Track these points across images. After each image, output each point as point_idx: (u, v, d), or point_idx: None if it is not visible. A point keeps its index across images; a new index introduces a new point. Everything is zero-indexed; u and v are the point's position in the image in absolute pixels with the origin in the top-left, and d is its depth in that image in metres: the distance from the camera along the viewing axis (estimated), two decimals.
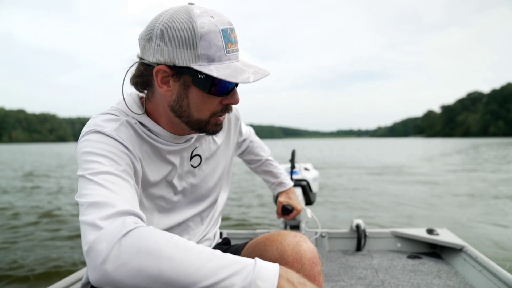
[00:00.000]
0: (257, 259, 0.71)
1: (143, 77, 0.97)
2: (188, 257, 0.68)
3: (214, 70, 0.87)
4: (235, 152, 1.46)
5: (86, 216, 0.74)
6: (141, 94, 1.05)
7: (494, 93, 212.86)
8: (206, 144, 1.18)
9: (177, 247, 0.69)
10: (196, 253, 0.69)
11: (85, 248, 0.70)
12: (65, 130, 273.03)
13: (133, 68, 0.98)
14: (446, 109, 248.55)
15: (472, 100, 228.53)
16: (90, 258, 0.69)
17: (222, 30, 0.89)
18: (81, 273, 1.78)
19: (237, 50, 0.94)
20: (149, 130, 1.02)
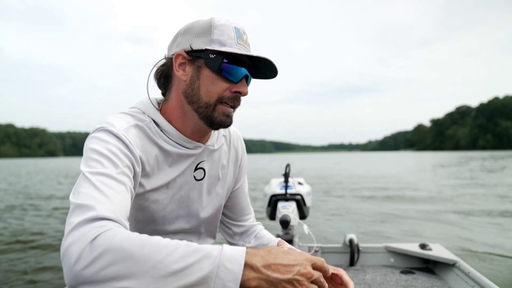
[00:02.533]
0: (224, 245, 0.73)
1: (165, 67, 1.08)
2: (156, 248, 0.70)
3: (224, 49, 0.99)
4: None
5: (70, 218, 0.77)
6: (159, 100, 1.13)
7: (482, 107, 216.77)
8: (213, 161, 1.20)
9: (145, 241, 0.71)
10: (163, 244, 0.71)
11: (61, 250, 0.72)
12: (55, 144, 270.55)
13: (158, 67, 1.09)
14: (435, 122, 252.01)
15: (461, 114, 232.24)
16: (64, 260, 0.71)
17: (235, 27, 1.03)
18: None
19: (247, 49, 1.04)
20: (161, 130, 1.06)
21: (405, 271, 2.29)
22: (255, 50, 1.13)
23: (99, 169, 0.87)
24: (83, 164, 0.89)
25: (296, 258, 0.75)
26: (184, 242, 0.73)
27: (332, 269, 0.92)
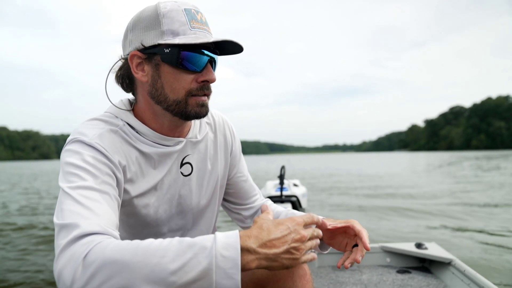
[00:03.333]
0: (216, 233, 0.73)
1: (124, 70, 1.01)
2: (149, 252, 0.69)
3: (178, 40, 0.90)
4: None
5: (57, 241, 0.75)
6: (131, 100, 1.08)
7: (475, 107, 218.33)
8: (199, 153, 1.14)
9: (137, 248, 0.70)
10: (155, 246, 0.70)
11: (55, 275, 0.71)
12: (49, 147, 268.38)
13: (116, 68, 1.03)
14: (429, 123, 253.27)
15: (454, 114, 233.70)
16: (60, 284, 0.70)
17: (185, 9, 0.94)
18: None
19: (205, 30, 0.96)
20: (137, 132, 1.01)
21: (401, 271, 2.30)
22: (243, 55, 1.06)
23: (78, 183, 0.83)
24: (61, 180, 0.86)
25: (287, 226, 0.76)
26: (176, 239, 0.72)
27: (343, 223, 1.01)
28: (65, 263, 0.70)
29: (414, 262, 2.42)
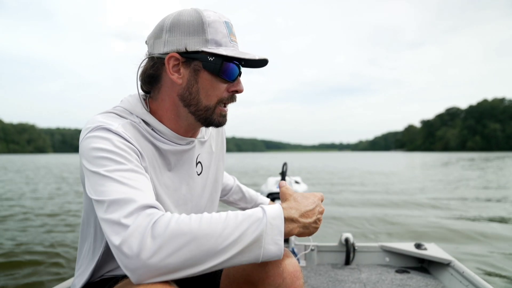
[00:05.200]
0: (262, 205, 0.85)
1: (153, 69, 1.02)
2: (212, 224, 0.78)
3: (223, 51, 0.95)
4: None
5: (109, 215, 0.78)
6: (143, 96, 1.09)
7: (471, 109, 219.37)
8: (206, 152, 1.20)
9: (201, 221, 0.78)
10: (216, 219, 0.80)
11: (115, 246, 0.75)
12: (44, 140, 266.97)
13: (142, 65, 1.04)
14: (426, 123, 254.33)
15: (451, 115, 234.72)
16: (123, 255, 0.74)
17: (225, 21, 0.99)
18: (67, 283, 1.72)
19: (237, 43, 1.02)
20: (152, 129, 1.03)
21: (400, 270, 2.32)
22: (242, 45, 1.10)
23: (115, 166, 0.86)
24: (92, 164, 0.87)
25: (313, 200, 0.94)
26: (231, 212, 0.82)
27: None
28: (129, 234, 0.74)
29: (413, 262, 2.44)
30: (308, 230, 0.90)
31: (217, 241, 0.77)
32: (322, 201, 0.98)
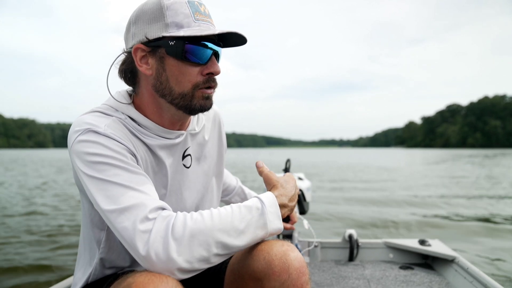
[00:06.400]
0: (258, 195, 0.96)
1: (127, 64, 1.01)
2: (223, 219, 0.86)
3: (183, 32, 0.90)
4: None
5: (124, 223, 0.80)
6: (130, 91, 1.08)
7: (472, 106, 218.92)
8: (198, 144, 1.17)
9: (212, 217, 0.85)
10: (224, 213, 0.87)
11: (142, 256, 0.79)
12: (45, 136, 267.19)
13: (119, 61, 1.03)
14: (426, 120, 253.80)
15: (451, 112, 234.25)
16: (152, 262, 0.78)
17: (188, 1, 0.94)
18: (67, 282, 1.72)
19: (208, 22, 0.96)
20: (138, 125, 1.01)
21: (404, 267, 2.31)
22: (242, 47, 1.05)
23: (113, 170, 0.86)
24: (92, 171, 0.87)
25: (293, 184, 1.06)
26: (233, 205, 0.91)
27: None
28: (152, 241, 0.78)
29: (417, 259, 2.43)
30: (292, 211, 1.01)
31: (229, 233, 0.85)
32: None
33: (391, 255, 2.47)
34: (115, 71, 1.04)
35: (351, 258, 2.46)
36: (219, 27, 0.97)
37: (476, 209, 7.47)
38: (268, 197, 0.95)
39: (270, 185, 1.04)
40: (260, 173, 1.08)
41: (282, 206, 0.97)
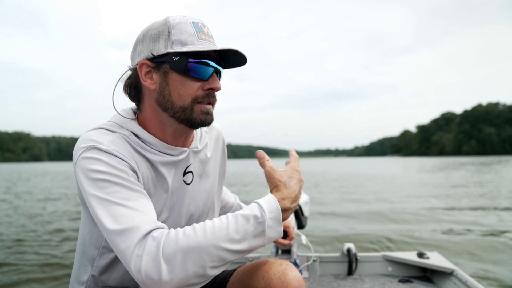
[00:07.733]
0: (258, 201, 0.92)
1: (132, 79, 1.06)
2: (216, 231, 0.84)
3: (186, 49, 0.96)
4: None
5: (120, 246, 0.82)
6: (134, 109, 1.12)
7: (466, 114, 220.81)
8: (200, 162, 1.19)
9: (205, 230, 0.83)
10: (218, 225, 0.85)
11: (137, 277, 0.80)
12: (40, 149, 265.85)
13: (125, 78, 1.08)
14: (421, 128, 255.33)
15: (446, 120, 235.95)
16: (147, 284, 0.79)
17: (193, 22, 1.00)
18: None
19: (211, 42, 1.02)
20: (142, 141, 1.04)
21: (403, 280, 2.31)
22: (227, 43, 1.03)
23: (114, 188, 0.88)
24: (93, 187, 0.89)
25: (297, 179, 1.02)
26: (230, 215, 0.88)
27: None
28: (145, 263, 0.79)
29: (416, 272, 2.43)
30: (294, 210, 0.98)
31: (224, 246, 0.83)
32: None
33: (390, 269, 2.47)
34: (116, 86, 1.08)
35: (350, 272, 2.45)
36: (222, 46, 1.02)
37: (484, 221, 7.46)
38: (269, 201, 0.92)
39: (272, 184, 1.02)
40: (262, 164, 1.08)
41: (284, 210, 0.93)
